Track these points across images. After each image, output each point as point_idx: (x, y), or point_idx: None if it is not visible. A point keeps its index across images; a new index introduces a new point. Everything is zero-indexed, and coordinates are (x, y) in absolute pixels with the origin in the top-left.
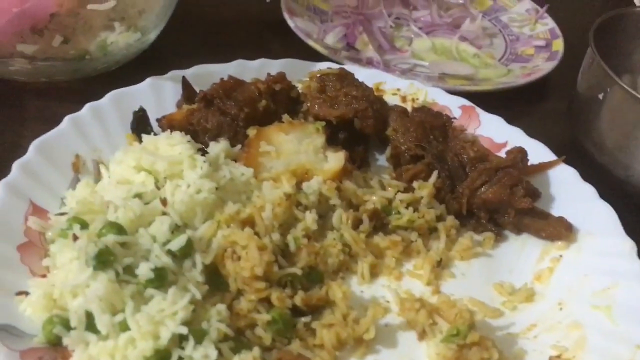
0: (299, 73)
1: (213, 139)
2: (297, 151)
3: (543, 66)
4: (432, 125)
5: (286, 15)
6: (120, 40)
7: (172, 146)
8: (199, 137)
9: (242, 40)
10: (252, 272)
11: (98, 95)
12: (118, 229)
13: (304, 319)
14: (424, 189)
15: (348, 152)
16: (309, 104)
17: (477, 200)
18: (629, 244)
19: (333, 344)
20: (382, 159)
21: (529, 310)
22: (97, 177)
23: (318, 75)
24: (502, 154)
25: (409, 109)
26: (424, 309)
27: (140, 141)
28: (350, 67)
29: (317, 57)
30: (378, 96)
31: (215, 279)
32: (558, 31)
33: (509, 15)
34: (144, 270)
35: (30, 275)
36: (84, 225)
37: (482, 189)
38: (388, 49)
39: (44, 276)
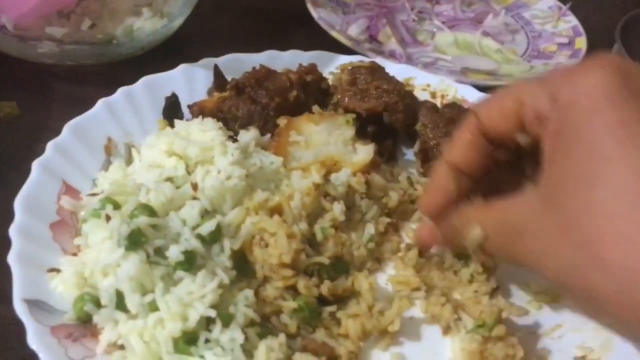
0: (329, 65)
1: (243, 127)
2: (326, 142)
3: (566, 64)
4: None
5: (310, 6)
6: (147, 26)
7: (204, 132)
8: (229, 124)
9: (265, 30)
10: (280, 260)
11: (123, 80)
12: (150, 211)
13: (329, 308)
14: None
15: (376, 145)
16: (339, 96)
17: None
18: None
19: (358, 334)
20: (409, 154)
21: (554, 310)
22: (129, 160)
23: (349, 67)
24: None
25: (439, 105)
26: (449, 304)
27: (172, 127)
28: (380, 60)
29: (340, 48)
30: (408, 91)
31: (242, 264)
32: (581, 29)
33: (531, 12)
34: (174, 253)
35: (62, 253)
36: (117, 206)
37: None
38: (410, 42)
39: (75, 254)
